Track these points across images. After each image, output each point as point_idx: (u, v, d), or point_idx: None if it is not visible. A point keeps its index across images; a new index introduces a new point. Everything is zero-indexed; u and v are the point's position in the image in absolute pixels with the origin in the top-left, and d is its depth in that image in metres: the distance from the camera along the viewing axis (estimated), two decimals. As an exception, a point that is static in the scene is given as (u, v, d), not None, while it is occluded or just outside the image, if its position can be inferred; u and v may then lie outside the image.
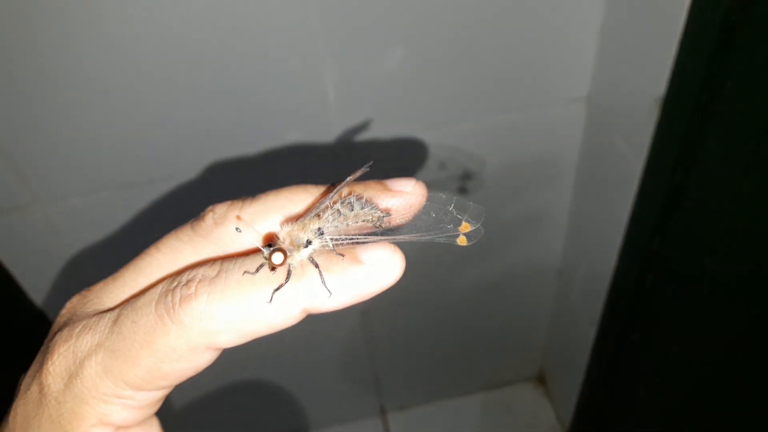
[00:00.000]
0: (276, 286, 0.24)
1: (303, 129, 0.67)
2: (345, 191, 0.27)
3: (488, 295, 0.96)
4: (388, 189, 0.27)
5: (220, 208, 0.27)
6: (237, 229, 0.26)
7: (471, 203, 0.29)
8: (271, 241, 0.25)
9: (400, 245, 0.25)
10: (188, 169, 0.69)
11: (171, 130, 0.65)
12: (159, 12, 0.55)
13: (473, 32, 0.63)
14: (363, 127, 0.68)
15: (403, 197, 0.27)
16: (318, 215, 0.26)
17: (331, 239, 0.25)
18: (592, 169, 0.75)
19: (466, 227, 0.28)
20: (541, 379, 1.17)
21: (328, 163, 0.70)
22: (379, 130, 0.69)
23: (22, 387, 0.26)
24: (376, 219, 0.26)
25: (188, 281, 0.24)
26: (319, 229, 0.25)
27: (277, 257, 0.24)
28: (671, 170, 0.57)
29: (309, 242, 0.25)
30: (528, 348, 1.12)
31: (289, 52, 0.60)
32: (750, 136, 0.48)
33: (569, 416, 1.03)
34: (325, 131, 0.68)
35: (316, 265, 0.24)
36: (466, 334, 1.04)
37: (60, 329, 0.27)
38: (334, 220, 0.26)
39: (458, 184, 0.74)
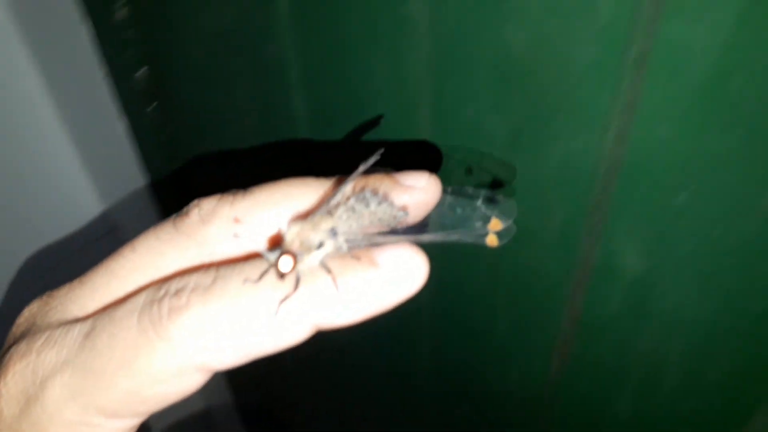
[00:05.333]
0: (283, 297, 0.21)
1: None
2: (357, 186, 0.24)
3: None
4: (398, 184, 0.24)
5: (208, 203, 0.23)
6: (235, 234, 0.23)
7: (501, 197, 0.26)
8: (275, 244, 0.22)
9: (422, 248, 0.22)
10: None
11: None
12: None
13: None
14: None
15: (416, 193, 0.24)
16: (330, 212, 0.23)
17: (346, 240, 0.22)
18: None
19: (496, 225, 0.25)
20: None
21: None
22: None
23: None
24: (392, 218, 0.23)
25: (178, 290, 0.21)
26: (333, 228, 0.22)
27: (286, 263, 0.21)
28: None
29: (321, 244, 0.22)
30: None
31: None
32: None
33: None
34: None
35: (329, 271, 0.21)
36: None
37: (16, 342, 0.23)
38: (348, 218, 0.23)
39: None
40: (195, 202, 0.24)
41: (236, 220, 0.23)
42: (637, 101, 0.36)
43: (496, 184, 0.33)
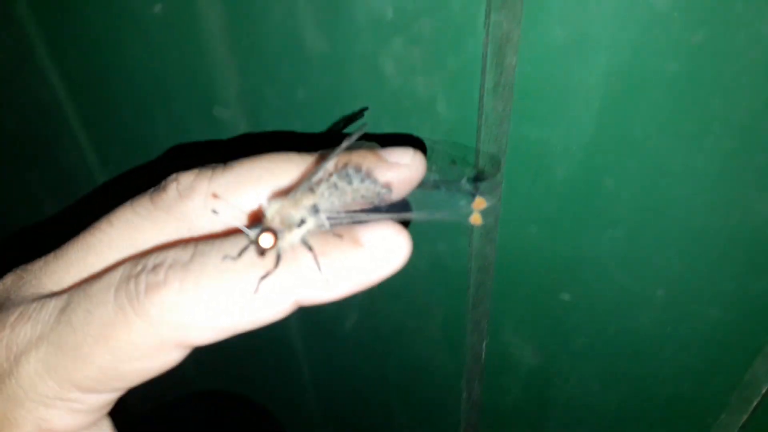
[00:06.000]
0: (263, 274, 0.20)
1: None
2: (339, 162, 0.23)
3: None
4: (383, 160, 0.23)
5: (186, 178, 0.23)
6: (213, 211, 0.22)
7: (487, 176, 0.26)
8: (256, 220, 0.22)
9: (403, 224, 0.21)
10: None
11: None
12: None
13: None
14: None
15: (401, 170, 0.23)
16: (311, 189, 0.22)
17: (328, 218, 0.21)
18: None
19: (480, 203, 0.24)
20: None
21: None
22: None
23: None
24: (375, 195, 0.22)
25: (156, 266, 0.20)
26: (314, 205, 0.21)
27: (266, 239, 0.20)
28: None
29: (303, 221, 0.21)
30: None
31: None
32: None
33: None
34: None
35: (310, 248, 0.20)
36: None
37: None
38: (330, 195, 0.22)
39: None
40: (173, 176, 0.23)
41: (214, 196, 0.22)
42: (500, 201, 0.31)
43: (480, 173, 0.30)
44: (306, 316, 0.45)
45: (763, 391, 0.32)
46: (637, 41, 0.23)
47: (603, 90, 0.25)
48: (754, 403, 0.33)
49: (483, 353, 0.40)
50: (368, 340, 0.43)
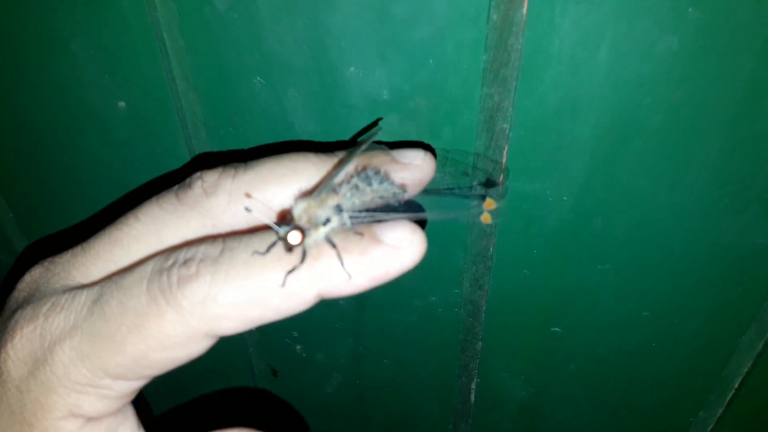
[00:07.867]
0: (289, 268, 0.21)
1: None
2: (359, 164, 0.24)
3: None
4: (395, 161, 0.24)
5: (210, 176, 0.23)
6: (246, 208, 0.23)
7: (495, 180, 0.27)
8: (284, 219, 0.23)
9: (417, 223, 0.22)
10: None
11: None
12: None
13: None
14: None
15: (413, 170, 0.24)
16: (334, 190, 0.23)
17: (350, 217, 0.22)
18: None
19: (490, 204, 0.26)
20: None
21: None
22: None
23: None
24: (392, 195, 0.24)
25: (187, 260, 0.21)
26: (338, 205, 0.22)
27: (295, 236, 0.21)
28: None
29: (328, 220, 0.22)
30: None
31: None
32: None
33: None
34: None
35: (334, 245, 0.21)
36: None
37: (20, 306, 0.23)
38: (351, 196, 0.23)
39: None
40: (197, 174, 0.24)
41: (247, 195, 0.23)
42: (491, 250, 0.32)
43: (490, 179, 0.31)
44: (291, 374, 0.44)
45: (736, 385, 0.36)
46: (624, 100, 0.25)
47: (592, 143, 0.27)
48: (728, 397, 0.37)
49: (472, 394, 0.41)
50: (351, 399, 0.44)
